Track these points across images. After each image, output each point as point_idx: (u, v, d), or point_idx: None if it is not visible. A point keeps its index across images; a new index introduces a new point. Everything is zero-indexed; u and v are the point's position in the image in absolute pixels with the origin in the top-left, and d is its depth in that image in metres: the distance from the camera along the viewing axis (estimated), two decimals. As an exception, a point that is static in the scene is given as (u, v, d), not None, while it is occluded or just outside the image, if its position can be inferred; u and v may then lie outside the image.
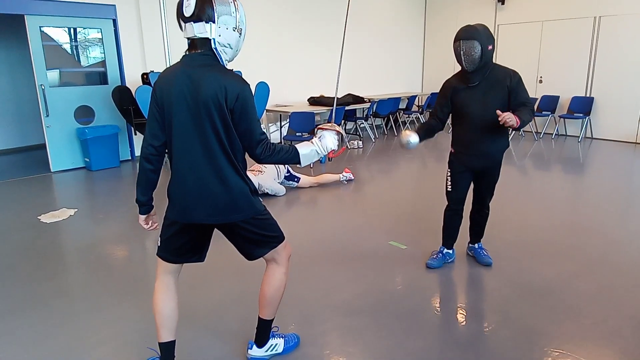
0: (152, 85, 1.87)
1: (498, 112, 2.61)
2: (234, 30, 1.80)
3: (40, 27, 5.96)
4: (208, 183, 1.82)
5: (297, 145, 1.97)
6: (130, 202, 4.83)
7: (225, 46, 1.80)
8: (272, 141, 1.89)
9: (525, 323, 2.54)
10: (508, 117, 2.54)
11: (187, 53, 1.83)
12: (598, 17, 7.86)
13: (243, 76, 1.87)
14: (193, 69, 1.78)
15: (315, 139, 2.03)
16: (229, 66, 1.85)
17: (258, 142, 1.83)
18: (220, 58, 1.80)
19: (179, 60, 1.86)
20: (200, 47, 1.79)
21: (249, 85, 1.82)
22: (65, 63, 6.73)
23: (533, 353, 2.27)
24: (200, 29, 1.74)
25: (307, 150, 1.97)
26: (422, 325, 2.54)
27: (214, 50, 1.78)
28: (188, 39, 1.81)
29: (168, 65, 6.72)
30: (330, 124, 2.08)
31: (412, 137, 2.86)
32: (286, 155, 1.92)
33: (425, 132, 2.98)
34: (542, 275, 3.08)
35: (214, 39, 1.76)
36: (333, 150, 2.05)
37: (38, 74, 5.98)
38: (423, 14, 10.53)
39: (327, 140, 2.03)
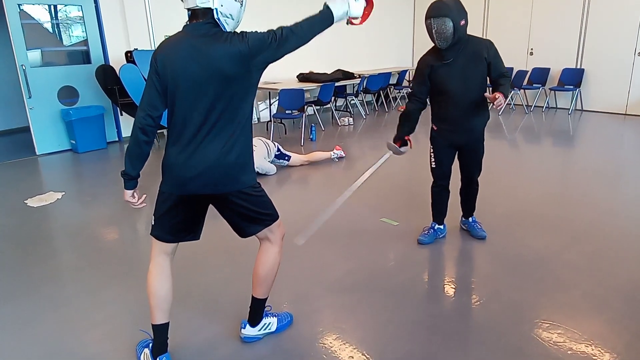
0: (152, 56, 1.82)
1: (488, 96, 2.66)
2: (236, 1, 1.78)
3: (18, 4, 5.75)
4: (208, 153, 1.79)
5: (327, 6, 1.87)
6: (119, 184, 4.72)
7: (227, 17, 1.77)
8: (290, 27, 1.81)
9: (515, 295, 2.56)
10: (498, 102, 2.59)
11: (188, 23, 1.80)
12: (589, -14, 7.77)
13: None
14: (197, 38, 1.76)
15: None
16: None
17: (286, 42, 1.79)
18: (223, 28, 1.78)
19: (180, 30, 1.82)
20: (202, 18, 1.76)
21: (244, 34, 1.77)
22: (46, 42, 6.54)
23: (523, 325, 2.30)
24: None
25: (340, 6, 1.88)
26: (413, 300, 2.56)
27: (217, 20, 1.75)
28: (189, 9, 1.77)
29: (152, 43, 6.56)
30: None
31: (402, 148, 2.95)
32: (321, 25, 1.86)
33: (408, 120, 2.96)
34: (532, 248, 3.10)
35: (216, 9, 1.73)
36: (355, 18, 1.95)
37: (18, 54, 5.80)
38: (413, -14, 10.34)
39: (359, 3, 1.93)
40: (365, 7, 1.97)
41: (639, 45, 7.39)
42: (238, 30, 1.83)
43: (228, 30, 1.80)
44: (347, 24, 2.00)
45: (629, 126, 7.03)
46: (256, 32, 1.78)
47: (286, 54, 1.82)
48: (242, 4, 1.82)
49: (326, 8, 1.87)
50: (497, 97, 2.59)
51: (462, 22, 2.64)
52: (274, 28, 1.80)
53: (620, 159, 5.38)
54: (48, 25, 6.51)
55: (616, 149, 5.91)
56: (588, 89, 8.11)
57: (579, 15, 7.97)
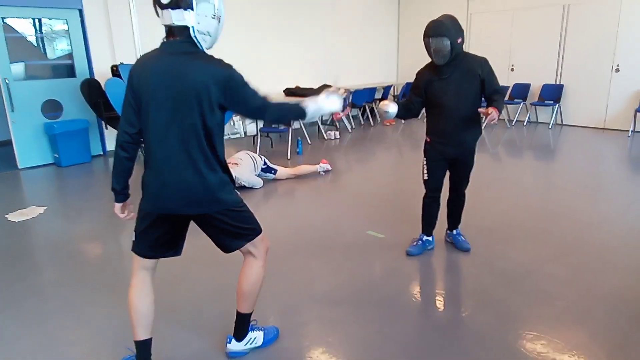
0: (129, 72, 1.83)
1: (482, 110, 2.74)
2: (213, 18, 1.78)
3: (2, 18, 5.71)
4: (184, 173, 1.79)
5: (303, 102, 1.98)
6: (103, 198, 4.71)
7: (204, 34, 1.77)
8: (272, 101, 1.90)
9: (501, 307, 2.59)
10: (492, 117, 2.66)
11: (165, 40, 1.80)
12: (567, 5, 8.01)
13: None
14: (174, 56, 1.76)
15: (322, 96, 2.04)
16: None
17: (262, 111, 1.87)
18: (200, 46, 1.78)
19: (157, 47, 1.82)
20: (178, 35, 1.76)
21: (232, 66, 1.80)
22: (30, 56, 6.49)
23: (508, 336, 2.32)
24: (178, 17, 1.71)
25: (313, 108, 2.00)
26: (400, 312, 2.56)
27: (194, 38, 1.75)
28: (165, 25, 1.77)
29: (138, 57, 6.54)
30: (334, 87, 2.12)
31: (391, 107, 2.88)
32: (294, 114, 1.99)
33: (404, 108, 2.99)
34: (517, 260, 3.14)
35: (192, 27, 1.73)
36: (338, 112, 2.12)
37: (1, 67, 5.73)
38: (397, 3, 10.53)
39: (332, 100, 2.06)
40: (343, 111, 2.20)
41: (616, 61, 7.63)
42: (216, 48, 1.84)
43: (205, 47, 1.81)
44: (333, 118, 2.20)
45: (607, 140, 7.20)
46: (246, 84, 1.82)
47: (254, 118, 1.89)
48: (219, 21, 1.81)
49: (305, 111, 1.99)
50: (490, 111, 2.67)
51: (459, 40, 2.73)
52: (263, 95, 1.86)
53: (599, 173, 5.50)
54: (32, 39, 6.47)
55: (596, 162, 6.05)
56: (567, 104, 8.32)
57: (558, 33, 8.20)
